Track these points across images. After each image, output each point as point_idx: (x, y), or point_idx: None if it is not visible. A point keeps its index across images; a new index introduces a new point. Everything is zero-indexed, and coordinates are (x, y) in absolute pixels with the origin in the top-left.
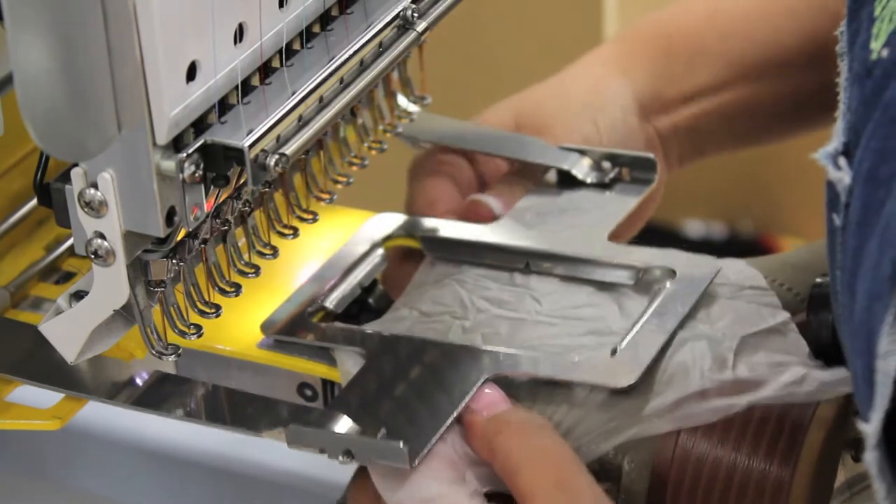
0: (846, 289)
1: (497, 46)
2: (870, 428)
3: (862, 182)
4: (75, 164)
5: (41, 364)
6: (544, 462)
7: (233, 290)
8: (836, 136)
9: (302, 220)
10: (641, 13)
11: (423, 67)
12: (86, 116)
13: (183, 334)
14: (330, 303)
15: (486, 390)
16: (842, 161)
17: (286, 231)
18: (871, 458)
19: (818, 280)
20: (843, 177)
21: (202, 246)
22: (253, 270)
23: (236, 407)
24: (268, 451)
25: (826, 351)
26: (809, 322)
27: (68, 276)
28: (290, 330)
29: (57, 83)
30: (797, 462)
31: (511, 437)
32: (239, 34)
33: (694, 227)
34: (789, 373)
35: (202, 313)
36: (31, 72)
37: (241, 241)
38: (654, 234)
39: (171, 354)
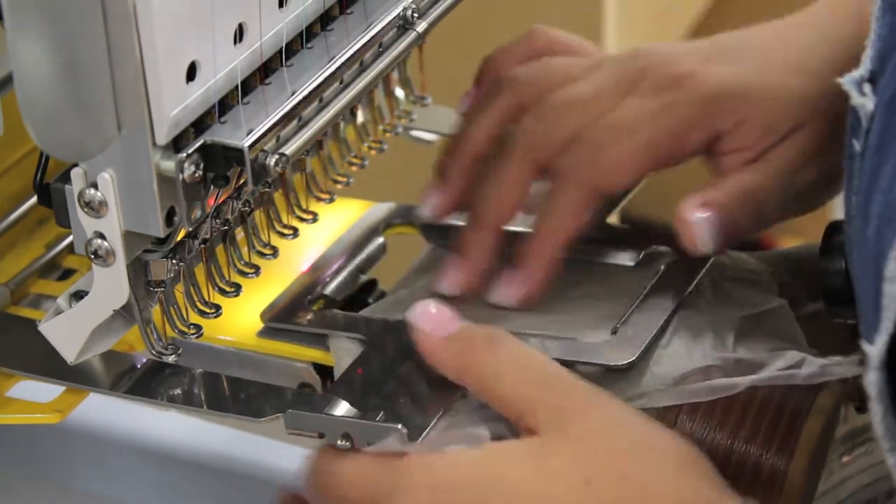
0: (860, 213)
1: (497, 46)
2: (873, 349)
3: (883, 108)
4: (75, 164)
5: (41, 358)
6: (524, 367)
7: (233, 290)
8: (864, 63)
9: (302, 220)
10: (642, 13)
11: (423, 67)
12: (86, 116)
13: (183, 334)
14: (330, 291)
15: (431, 308)
16: (866, 87)
17: (286, 231)
18: (872, 378)
19: (832, 222)
20: (866, 102)
21: (202, 246)
22: (253, 270)
23: (235, 393)
24: (268, 451)
25: (837, 297)
26: (820, 267)
27: (69, 273)
28: (290, 317)
29: (57, 83)
30: (794, 450)
31: (480, 351)
32: (239, 34)
33: None
34: (787, 356)
35: (202, 313)
36: (31, 72)
37: (241, 236)
38: None
39: (172, 354)
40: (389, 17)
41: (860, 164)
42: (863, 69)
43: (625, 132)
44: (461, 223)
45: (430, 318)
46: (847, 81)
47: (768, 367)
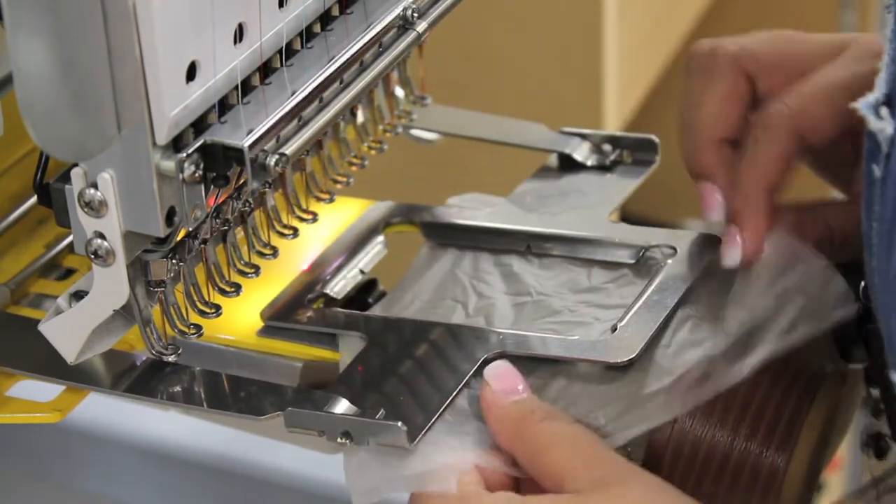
0: (884, 239)
1: (497, 46)
2: None
3: None
4: (75, 164)
5: (41, 357)
6: (573, 442)
7: (233, 290)
8: (878, 86)
9: (302, 220)
10: (641, 13)
11: (423, 67)
12: (86, 116)
13: (183, 334)
14: (330, 289)
15: (507, 370)
16: (883, 111)
17: (286, 231)
18: None
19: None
20: (884, 126)
21: (202, 246)
22: (253, 270)
23: (235, 392)
24: (268, 451)
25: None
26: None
27: (69, 273)
28: (290, 316)
29: (57, 84)
30: (793, 448)
31: (536, 422)
32: (239, 34)
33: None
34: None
35: (202, 313)
36: (30, 72)
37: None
38: None
39: (171, 354)
40: (389, 17)
41: (881, 191)
42: (877, 92)
43: (830, 89)
44: (462, 221)
45: (502, 380)
46: (862, 106)
47: (764, 343)
